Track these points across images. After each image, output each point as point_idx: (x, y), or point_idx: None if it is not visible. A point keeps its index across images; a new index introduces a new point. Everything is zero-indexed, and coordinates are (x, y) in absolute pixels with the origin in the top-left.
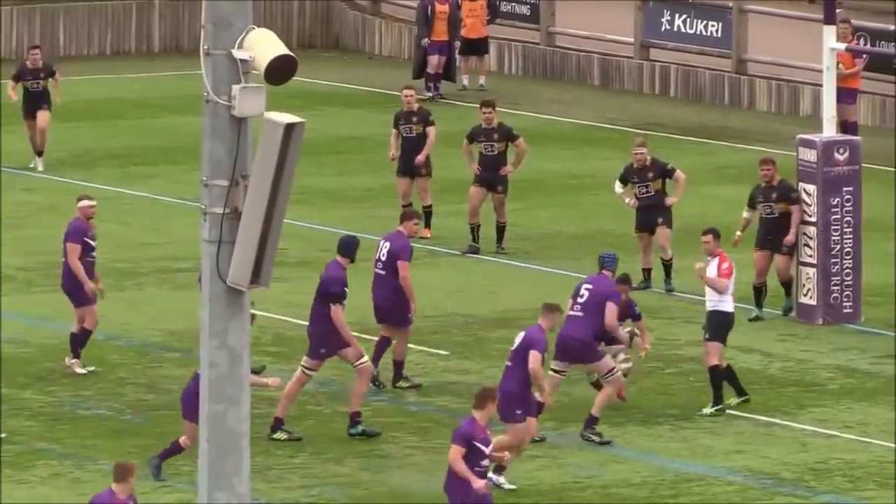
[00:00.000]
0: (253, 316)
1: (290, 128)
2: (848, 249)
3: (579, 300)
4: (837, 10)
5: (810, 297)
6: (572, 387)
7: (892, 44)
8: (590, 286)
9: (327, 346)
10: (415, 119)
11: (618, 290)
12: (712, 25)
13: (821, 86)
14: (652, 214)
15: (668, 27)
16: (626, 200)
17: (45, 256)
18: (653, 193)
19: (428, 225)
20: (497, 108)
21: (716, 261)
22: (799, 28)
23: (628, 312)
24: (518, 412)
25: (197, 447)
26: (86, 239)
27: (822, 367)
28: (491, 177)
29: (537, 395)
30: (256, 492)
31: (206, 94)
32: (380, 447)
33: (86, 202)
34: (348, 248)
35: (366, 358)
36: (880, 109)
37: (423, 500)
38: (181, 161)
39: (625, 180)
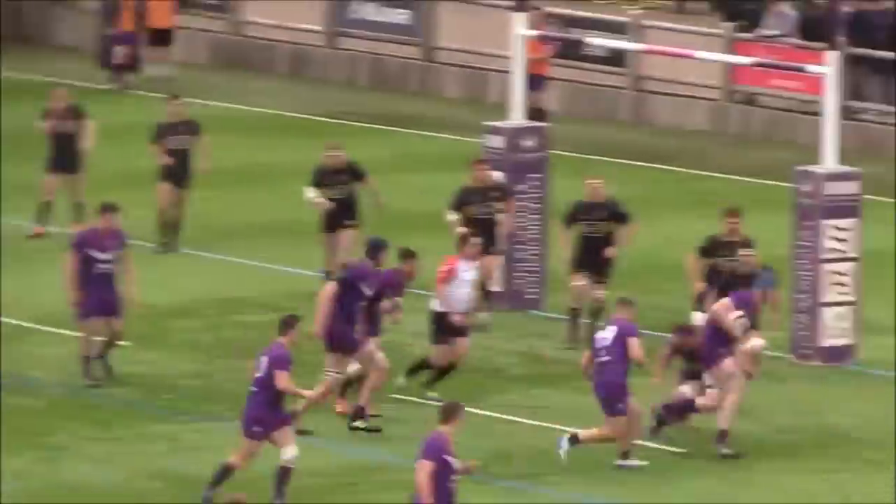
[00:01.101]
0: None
1: None
2: (533, 236)
3: None
4: None
5: (497, 284)
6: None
7: (581, 30)
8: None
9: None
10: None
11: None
12: (401, 14)
13: (509, 73)
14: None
15: (356, 15)
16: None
17: None
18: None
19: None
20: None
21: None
22: (489, 15)
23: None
24: (620, 405)
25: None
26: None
27: (504, 353)
28: (180, 172)
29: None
30: None
31: None
32: (55, 439)
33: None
34: (372, 249)
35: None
36: (570, 96)
37: (99, 492)
38: None
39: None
